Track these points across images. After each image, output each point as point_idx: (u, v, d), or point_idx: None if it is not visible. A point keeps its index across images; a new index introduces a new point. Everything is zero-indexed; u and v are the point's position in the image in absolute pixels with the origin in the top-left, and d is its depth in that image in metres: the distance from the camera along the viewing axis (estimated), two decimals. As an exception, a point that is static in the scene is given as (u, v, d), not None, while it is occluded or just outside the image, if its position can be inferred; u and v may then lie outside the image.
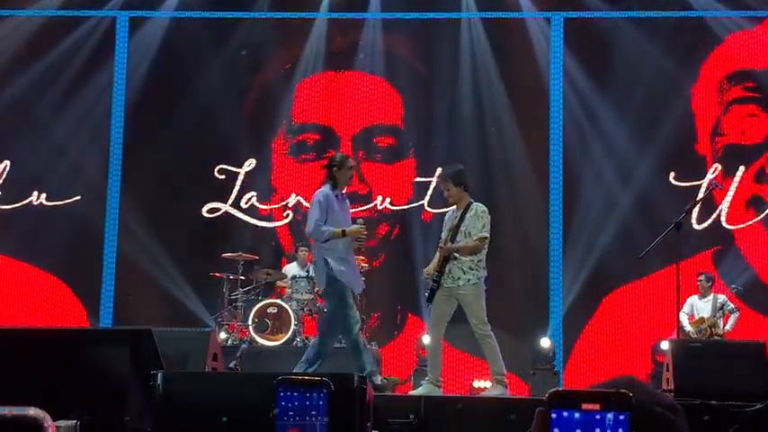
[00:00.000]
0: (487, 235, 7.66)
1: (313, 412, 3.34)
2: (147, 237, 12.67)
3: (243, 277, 11.43)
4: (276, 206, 13.04)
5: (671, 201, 11.68)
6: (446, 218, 8.02)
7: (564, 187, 12.70)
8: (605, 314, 12.46)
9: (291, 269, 11.60)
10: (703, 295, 11.34)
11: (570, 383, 11.93)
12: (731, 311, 11.20)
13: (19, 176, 13.01)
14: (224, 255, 11.50)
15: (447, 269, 7.62)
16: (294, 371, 7.40)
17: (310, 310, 10.99)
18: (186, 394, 5.90)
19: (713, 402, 6.37)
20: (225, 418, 5.58)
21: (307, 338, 10.81)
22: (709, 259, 12.38)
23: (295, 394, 3.37)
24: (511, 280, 12.16)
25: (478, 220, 7.66)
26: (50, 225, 12.82)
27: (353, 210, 11.96)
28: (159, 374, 5.83)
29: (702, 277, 11.39)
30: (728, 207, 12.49)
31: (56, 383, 5.86)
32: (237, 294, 11.34)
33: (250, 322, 10.79)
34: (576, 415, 2.41)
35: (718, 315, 11.17)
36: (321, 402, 3.34)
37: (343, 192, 7.99)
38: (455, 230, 7.68)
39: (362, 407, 5.50)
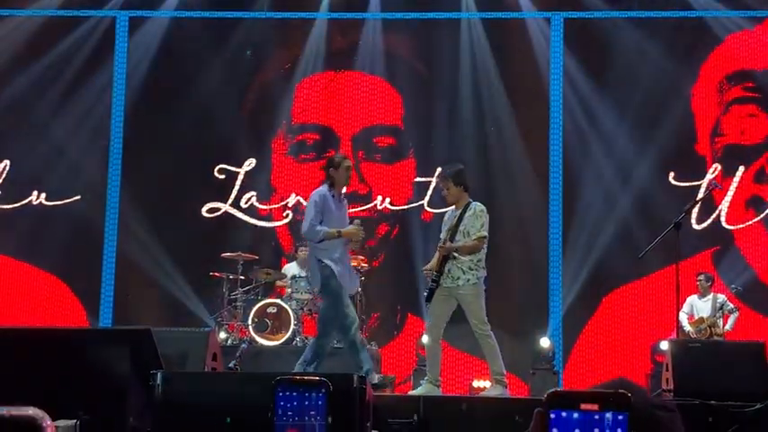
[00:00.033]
0: (486, 234, 7.66)
1: (312, 412, 3.34)
2: (147, 236, 12.67)
3: (242, 277, 11.43)
4: (276, 206, 13.04)
5: (671, 201, 11.68)
6: (445, 218, 8.03)
7: (564, 187, 12.70)
8: (605, 314, 12.45)
9: (291, 269, 11.60)
10: (703, 295, 11.34)
11: (570, 383, 11.93)
12: (731, 311, 11.20)
13: (19, 176, 13.00)
14: (223, 254, 11.50)
15: (446, 269, 7.62)
16: (292, 371, 7.41)
17: (310, 310, 10.99)
18: (186, 394, 5.91)
19: (712, 402, 6.37)
20: (228, 419, 5.59)
21: (306, 338, 10.80)
22: (708, 259, 12.38)
23: (294, 394, 3.38)
24: (511, 280, 12.16)
25: (477, 219, 7.66)
26: (50, 225, 12.82)
27: (354, 209, 12.01)
28: (159, 374, 5.84)
29: (702, 277, 11.40)
30: (728, 207, 12.49)
31: (55, 383, 5.87)
32: (237, 294, 11.34)
33: (250, 322, 10.79)
34: (575, 415, 2.42)
35: (717, 315, 11.17)
36: (320, 402, 3.34)
37: (342, 192, 8.00)
38: (454, 230, 7.68)
39: (362, 407, 5.51)
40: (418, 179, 12.94)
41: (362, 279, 11.01)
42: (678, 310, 9.02)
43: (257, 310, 10.84)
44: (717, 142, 12.69)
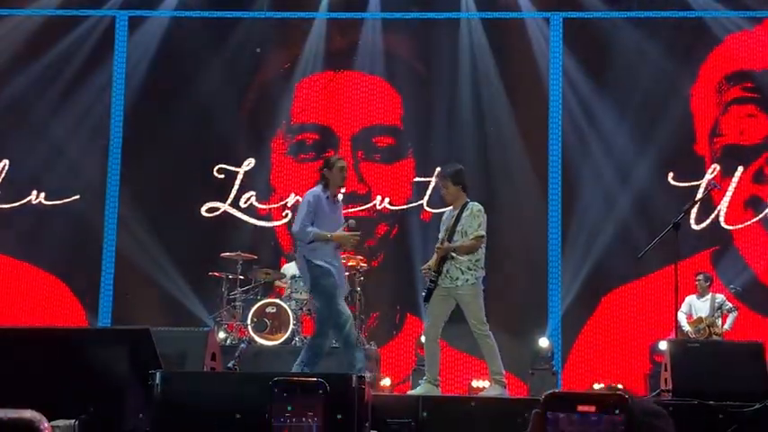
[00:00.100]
0: (483, 234, 7.65)
1: (309, 413, 3.35)
2: (146, 236, 12.67)
3: (242, 277, 11.42)
4: (275, 206, 13.05)
5: (670, 201, 11.69)
6: (443, 218, 8.03)
7: (563, 187, 12.70)
8: (604, 314, 12.46)
9: (290, 269, 11.58)
10: (701, 295, 11.34)
11: (569, 383, 11.94)
12: (729, 311, 11.21)
13: (18, 176, 13.00)
14: (223, 254, 11.50)
15: (445, 269, 7.62)
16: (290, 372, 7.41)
17: (309, 310, 10.97)
18: (185, 394, 5.91)
19: (711, 402, 6.37)
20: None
21: (305, 338, 10.79)
22: (707, 259, 12.38)
23: (291, 395, 3.38)
24: (510, 280, 12.15)
25: (474, 219, 7.66)
26: (49, 224, 12.83)
27: (353, 209, 12.03)
28: (158, 374, 5.85)
29: (701, 277, 11.40)
30: (727, 207, 12.49)
31: (55, 383, 5.87)
32: (236, 294, 11.33)
33: (249, 322, 10.79)
34: (572, 417, 2.42)
35: (716, 314, 11.18)
36: (317, 403, 3.35)
37: (337, 193, 8.00)
38: (452, 230, 7.69)
39: (361, 407, 5.52)
40: (417, 179, 12.94)
41: (361, 279, 11.02)
42: (677, 310, 9.02)
43: (256, 309, 10.84)
44: (716, 142, 12.70)
